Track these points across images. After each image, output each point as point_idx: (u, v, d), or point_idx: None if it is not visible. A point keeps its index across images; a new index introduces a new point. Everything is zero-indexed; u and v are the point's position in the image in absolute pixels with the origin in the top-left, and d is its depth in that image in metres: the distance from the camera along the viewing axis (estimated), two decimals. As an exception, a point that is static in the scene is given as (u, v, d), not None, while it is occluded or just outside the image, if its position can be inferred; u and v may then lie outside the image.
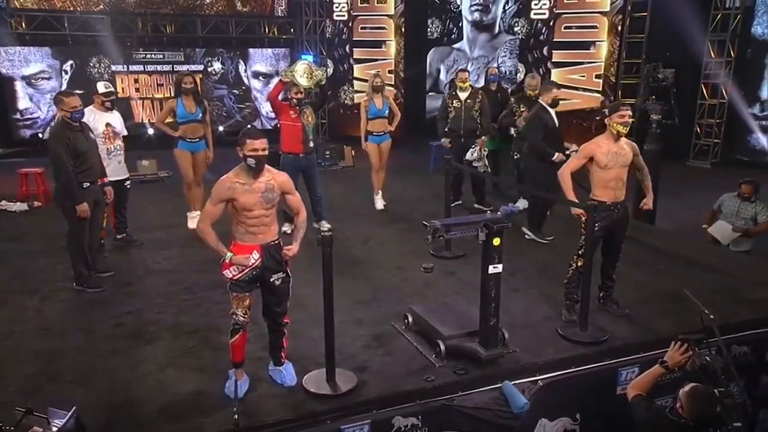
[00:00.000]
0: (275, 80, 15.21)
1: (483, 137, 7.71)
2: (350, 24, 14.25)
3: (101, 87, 6.49)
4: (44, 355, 4.56)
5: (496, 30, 13.65)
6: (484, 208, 7.72)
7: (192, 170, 7.10)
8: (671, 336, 4.85)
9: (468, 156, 7.55)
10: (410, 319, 4.94)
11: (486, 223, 4.23)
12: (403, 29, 13.94)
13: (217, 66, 14.61)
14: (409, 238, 7.01)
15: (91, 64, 13.63)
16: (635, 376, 4.67)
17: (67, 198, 5.51)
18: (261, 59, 15.05)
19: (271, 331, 4.32)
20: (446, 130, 7.88)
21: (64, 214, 5.62)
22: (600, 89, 12.68)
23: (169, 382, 4.30)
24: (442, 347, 4.51)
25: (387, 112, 7.69)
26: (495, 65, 11.76)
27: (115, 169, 6.45)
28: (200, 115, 7.06)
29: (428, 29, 14.26)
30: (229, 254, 3.98)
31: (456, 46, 14.10)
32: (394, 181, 8.50)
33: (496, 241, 4.26)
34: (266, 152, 3.96)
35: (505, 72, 13.17)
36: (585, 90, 12.73)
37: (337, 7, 14.30)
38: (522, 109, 7.58)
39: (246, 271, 4.02)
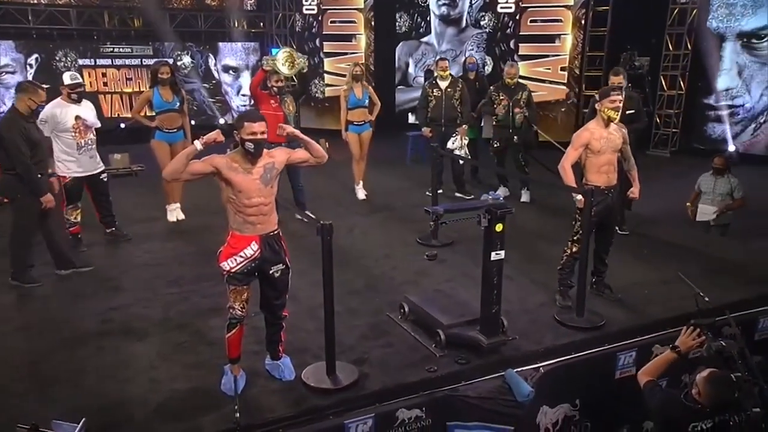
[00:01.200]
0: (246, 74, 14.86)
1: (464, 126, 7.48)
2: (320, 18, 13.84)
3: (67, 78, 5.98)
4: (29, 356, 4.20)
5: (463, 24, 13.41)
6: (465, 197, 7.53)
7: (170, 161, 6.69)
8: (666, 319, 4.75)
9: (449, 145, 7.31)
10: (406, 309, 4.70)
11: (489, 209, 4.00)
12: (372, 23, 13.61)
13: (186, 60, 14.06)
14: (393, 227, 6.76)
15: (57, 58, 12.96)
16: (633, 361, 4.54)
17: (17, 190, 5.12)
18: (231, 53, 14.55)
19: (269, 324, 4.02)
20: (427, 119, 7.63)
21: (12, 206, 5.24)
22: (565, 81, 12.58)
23: (164, 380, 3.99)
24: (443, 336, 4.28)
25: (367, 101, 7.40)
26: (466, 56, 11.51)
27: (86, 164, 5.98)
28: (177, 104, 6.67)
29: (396, 23, 13.95)
30: (195, 143, 3.60)
31: (424, 39, 13.82)
32: (372, 171, 8.21)
33: (499, 227, 4.04)
34: (265, 135, 3.67)
35: (473, 65, 12.99)
36: (551, 82, 12.62)
37: (306, 1, 13.88)
38: (501, 98, 7.37)
39: (244, 262, 3.72)
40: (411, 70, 14.04)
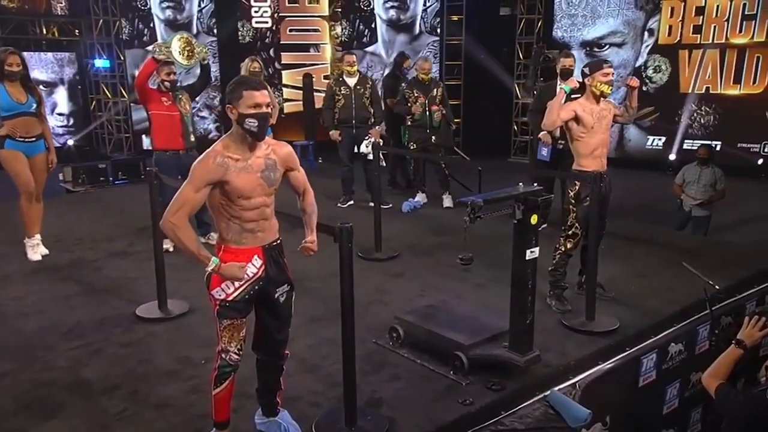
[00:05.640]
0: (61, 90, 12.94)
1: (377, 127, 6.85)
2: (151, 24, 12.49)
3: None
4: None
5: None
6: (381, 206, 6.86)
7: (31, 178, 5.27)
8: (675, 314, 4.44)
9: (363, 148, 6.61)
10: (401, 332, 3.93)
11: (525, 197, 3.39)
12: (215, 31, 12.55)
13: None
14: (322, 243, 5.86)
15: None
16: (654, 364, 4.16)
17: None
18: (40, 65, 12.57)
19: (264, 368, 3.07)
20: (335, 121, 6.87)
21: None
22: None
23: (116, 469, 2.83)
24: (465, 360, 3.57)
25: (267, 102, 6.45)
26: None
27: None
28: (33, 106, 5.27)
29: (239, 32, 12.99)
30: (214, 260, 2.67)
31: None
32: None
33: (534, 219, 3.44)
34: (269, 110, 2.75)
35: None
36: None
37: (137, 2, 12.42)
38: (417, 95, 6.82)
39: (246, 286, 2.74)
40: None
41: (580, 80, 4.44)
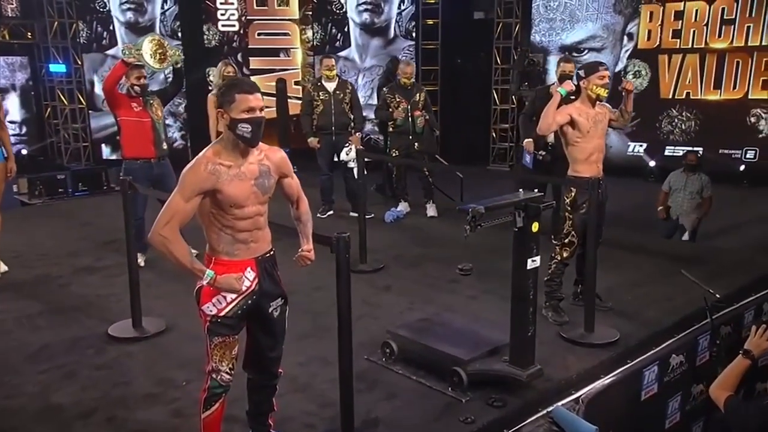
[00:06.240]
0: (13, 96, 12.66)
1: (357, 134, 6.79)
2: (111, 27, 12.28)
3: None
4: None
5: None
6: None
7: (-11, 189, 5.12)
8: (675, 324, 4.45)
9: (343, 156, 6.54)
10: (395, 347, 3.86)
11: (526, 204, 3.36)
12: (180, 34, 12.38)
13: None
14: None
15: None
16: (655, 377, 4.16)
17: None
18: (-11, 70, 12.28)
19: (256, 389, 2.99)
20: (313, 128, 6.80)
21: None
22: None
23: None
24: (463, 376, 3.52)
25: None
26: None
27: None
28: (-11, 111, 5.14)
29: (205, 36, 12.87)
30: (209, 273, 2.58)
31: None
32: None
33: (535, 227, 3.41)
34: (264, 114, 2.67)
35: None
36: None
37: (95, 4, 12.20)
38: (398, 100, 6.78)
39: (239, 300, 2.66)
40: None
41: (576, 83, 4.45)
